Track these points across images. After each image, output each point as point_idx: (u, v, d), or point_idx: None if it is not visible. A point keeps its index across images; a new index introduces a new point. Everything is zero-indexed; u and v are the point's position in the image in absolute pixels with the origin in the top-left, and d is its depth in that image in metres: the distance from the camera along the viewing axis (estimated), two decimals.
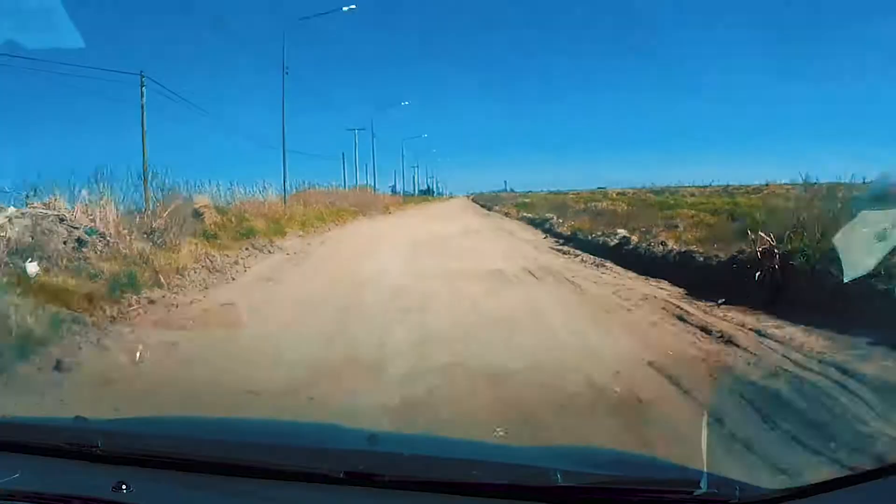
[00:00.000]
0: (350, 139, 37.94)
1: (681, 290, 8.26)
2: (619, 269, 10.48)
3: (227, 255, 11.11)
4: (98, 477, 1.52)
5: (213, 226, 13.47)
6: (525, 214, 28.37)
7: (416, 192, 64.59)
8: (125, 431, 1.85)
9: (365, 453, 1.60)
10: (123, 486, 1.43)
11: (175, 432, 1.85)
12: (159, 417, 2.34)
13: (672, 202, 25.23)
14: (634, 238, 12.86)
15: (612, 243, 13.23)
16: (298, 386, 4.39)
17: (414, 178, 62.94)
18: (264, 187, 19.30)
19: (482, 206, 49.94)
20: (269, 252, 13.02)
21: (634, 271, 9.96)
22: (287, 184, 22.22)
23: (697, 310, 6.98)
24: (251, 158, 50.93)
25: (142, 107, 15.40)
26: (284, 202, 19.91)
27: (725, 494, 1.38)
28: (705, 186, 37.58)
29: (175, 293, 8.32)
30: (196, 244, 10.53)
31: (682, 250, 10.22)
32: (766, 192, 32.54)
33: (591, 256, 12.06)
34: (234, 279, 9.79)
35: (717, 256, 9.28)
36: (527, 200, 41.38)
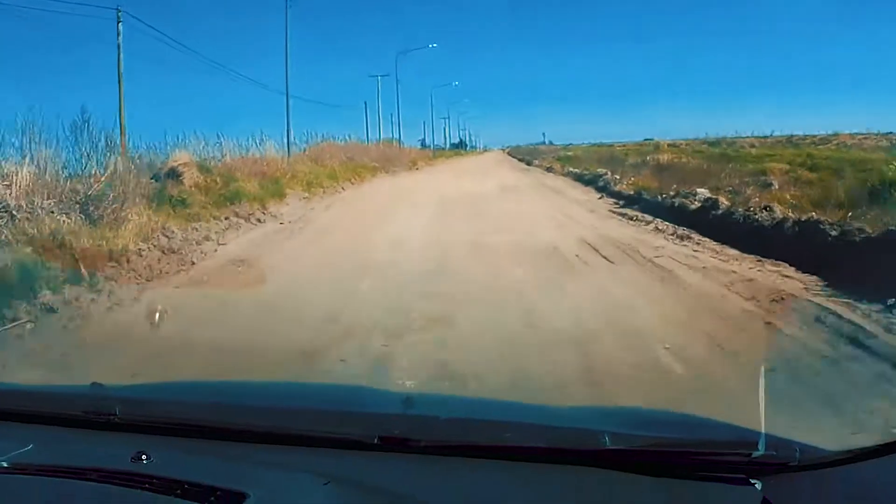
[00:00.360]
0: (373, 88, 34.94)
1: (819, 280, 5.64)
2: (712, 243, 7.74)
3: (197, 229, 8.52)
4: (116, 447, 1.43)
5: (193, 188, 10.89)
6: (571, 169, 25.34)
7: (448, 145, 61.13)
8: (144, 398, 1.75)
9: (399, 417, 1.50)
10: (143, 457, 1.33)
11: (196, 398, 1.73)
12: (179, 383, 2.20)
13: (735, 154, 22.74)
14: (723, 200, 9.94)
15: (693, 207, 10.37)
16: None
17: (445, 130, 59.42)
18: (262, 140, 16.43)
19: (520, 160, 46.82)
20: (258, 222, 10.42)
21: (736, 248, 7.29)
22: (295, 137, 19.71)
23: (869, 321, 4.44)
24: (256, 111, 46.83)
25: (118, 47, 12.77)
26: (288, 157, 17.16)
27: (785, 456, 1.27)
28: (765, 137, 35.77)
29: (97, 292, 5.72)
30: (150, 215, 7.91)
31: (801, 218, 7.47)
32: (835, 142, 31.63)
33: (668, 224, 9.29)
34: (193, 263, 7.20)
35: (860, 230, 6.52)
36: (569, 154, 38.14)
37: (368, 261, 6.84)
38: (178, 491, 1.24)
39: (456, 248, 7.37)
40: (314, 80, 53.30)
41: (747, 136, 36.22)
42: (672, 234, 8.64)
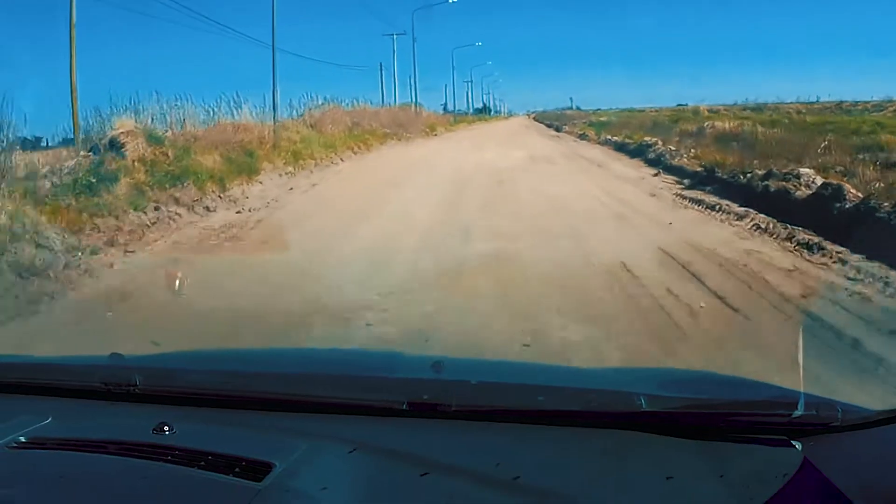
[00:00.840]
0: (390, 49, 31.84)
1: None
2: (878, 266, 4.75)
3: (91, 230, 5.77)
4: (137, 418, 1.38)
5: (136, 163, 8.29)
6: (609, 137, 22.29)
7: (471, 110, 57.88)
8: (166, 368, 1.69)
9: (428, 381, 1.46)
10: (166, 428, 1.29)
11: (219, 366, 1.70)
12: (200, 352, 2.25)
13: (787, 121, 20.31)
14: (849, 188, 7.05)
15: (800, 194, 7.48)
16: None
17: (467, 94, 56.14)
18: (237, 101, 13.06)
19: (547, 125, 43.79)
20: (206, 210, 7.70)
21: None
22: (293, 100, 16.79)
23: None
24: (252, 74, 39.79)
25: None
26: (274, 123, 14.28)
27: (826, 417, 1.23)
28: (811, 103, 33.40)
29: None
30: (17, 209, 5.21)
31: None
32: (891, 108, 29.23)
33: (771, 221, 6.61)
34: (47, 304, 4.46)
35: None
36: (602, 119, 34.93)
37: (333, 296, 4.07)
38: (202, 462, 1.21)
39: (462, 280, 4.53)
40: (328, 41, 49.89)
41: (791, 102, 34.20)
42: (790, 241, 5.76)
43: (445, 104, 47.15)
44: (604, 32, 59.23)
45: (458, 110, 54.02)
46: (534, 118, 65.39)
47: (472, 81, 56.83)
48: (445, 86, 46.70)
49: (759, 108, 31.78)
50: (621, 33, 58.94)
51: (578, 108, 54.06)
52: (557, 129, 36.50)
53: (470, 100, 57.59)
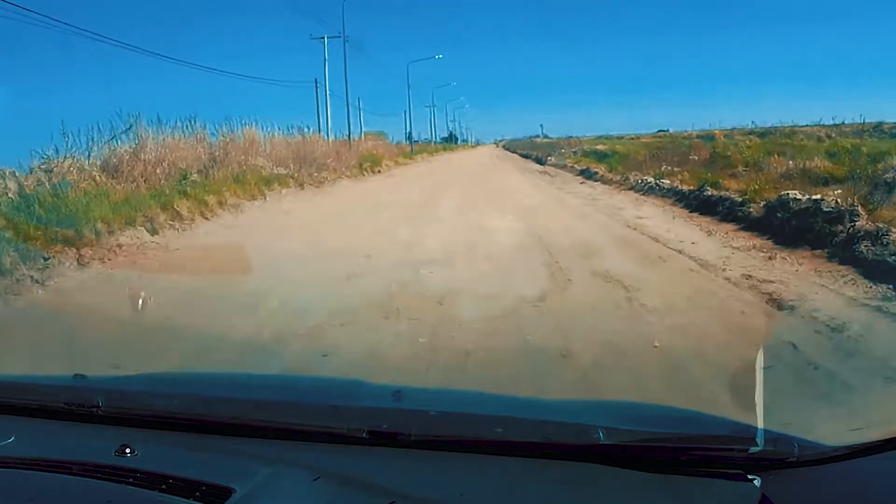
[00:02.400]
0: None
1: None
2: None
3: None
4: (99, 439, 1.38)
5: None
6: (647, 179, 13.84)
7: (436, 138, 50.53)
8: (129, 390, 1.66)
9: (389, 410, 1.46)
10: (127, 450, 1.29)
11: (183, 390, 1.66)
12: (165, 374, 2.17)
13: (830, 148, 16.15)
14: None
15: None
16: None
17: (430, 120, 48.96)
18: None
19: (523, 156, 35.44)
20: None
21: None
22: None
23: None
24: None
25: None
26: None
27: (784, 452, 1.24)
28: (834, 126, 30.49)
29: None
30: None
31: None
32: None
33: None
34: None
35: None
36: (599, 147, 26.66)
37: None
38: (163, 486, 1.18)
39: None
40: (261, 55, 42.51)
41: (805, 126, 31.48)
42: None
43: (409, 132, 40.05)
44: (574, 59, 57.33)
45: (423, 139, 46.66)
46: (503, 146, 59.60)
47: (434, 106, 49.13)
48: (405, 111, 38.40)
49: (764, 133, 29.79)
50: (593, 60, 56.78)
51: (546, 136, 51.91)
52: (539, 161, 28.08)
53: (433, 126, 49.80)
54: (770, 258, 6.71)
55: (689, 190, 11.47)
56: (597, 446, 1.23)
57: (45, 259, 6.54)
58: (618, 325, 4.50)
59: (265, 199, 11.97)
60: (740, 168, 13.25)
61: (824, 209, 7.50)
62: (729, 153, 16.15)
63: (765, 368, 2.28)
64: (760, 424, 1.31)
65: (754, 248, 7.28)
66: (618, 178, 15.99)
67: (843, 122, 31.21)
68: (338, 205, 12.67)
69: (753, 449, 1.20)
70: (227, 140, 14.79)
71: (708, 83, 54.14)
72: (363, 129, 30.78)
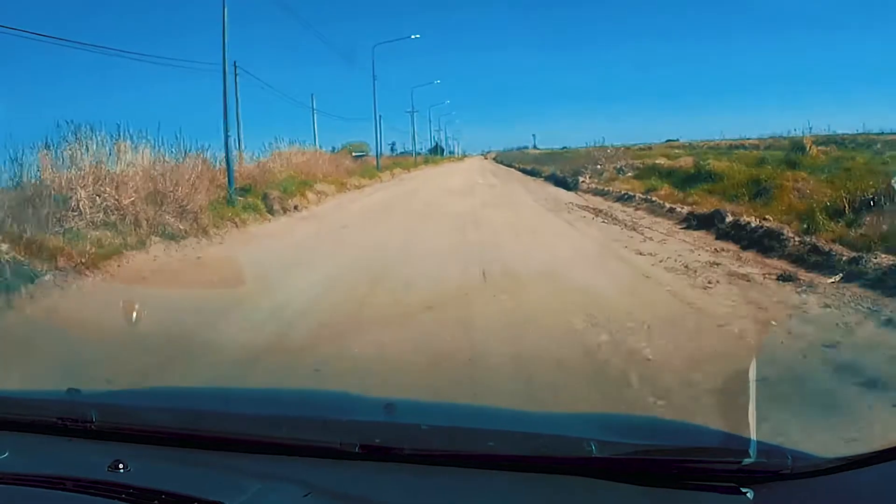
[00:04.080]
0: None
1: None
2: None
3: None
4: (92, 455, 1.43)
5: None
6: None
7: (416, 149, 43.21)
8: (121, 405, 1.70)
9: (381, 424, 1.49)
10: (120, 465, 1.32)
11: (175, 405, 1.70)
12: (158, 389, 2.27)
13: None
14: None
15: None
16: None
17: (412, 129, 41.80)
18: None
19: (527, 172, 26.41)
20: None
21: None
22: None
23: None
24: None
25: None
26: None
27: (776, 464, 1.26)
28: (858, 134, 24.57)
29: None
30: None
31: None
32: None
33: None
34: None
35: None
36: (661, 162, 17.46)
37: None
38: (156, 501, 1.22)
39: None
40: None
41: (821, 132, 24.10)
42: None
43: (393, 144, 36.24)
44: (567, 69, 54.06)
45: (417, 151, 40.95)
46: (492, 159, 53.59)
47: (415, 111, 41.00)
48: (379, 115, 29.48)
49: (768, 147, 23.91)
50: (588, 67, 52.96)
51: (535, 148, 47.28)
52: (565, 185, 18.60)
53: (413, 135, 42.80)
54: None
55: None
56: (589, 459, 1.27)
57: None
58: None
59: None
60: None
61: None
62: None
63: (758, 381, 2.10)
64: (753, 436, 1.36)
65: None
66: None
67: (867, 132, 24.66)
68: None
69: (746, 461, 1.23)
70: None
71: (714, 92, 51.21)
72: (317, 140, 22.19)
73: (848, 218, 7.98)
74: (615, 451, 1.28)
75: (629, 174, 17.02)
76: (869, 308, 5.07)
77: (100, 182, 9.58)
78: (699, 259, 7.34)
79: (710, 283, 6.13)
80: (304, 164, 18.11)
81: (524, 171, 27.65)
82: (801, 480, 1.23)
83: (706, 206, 10.54)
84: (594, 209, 12.84)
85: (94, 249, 7.75)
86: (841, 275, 6.07)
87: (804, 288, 5.78)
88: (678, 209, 11.10)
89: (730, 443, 1.33)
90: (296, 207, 13.56)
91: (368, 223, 11.90)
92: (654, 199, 12.54)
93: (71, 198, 9.02)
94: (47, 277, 6.64)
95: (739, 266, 6.92)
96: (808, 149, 16.70)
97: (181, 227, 9.77)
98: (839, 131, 25.27)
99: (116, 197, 9.42)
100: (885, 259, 6.06)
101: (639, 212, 11.98)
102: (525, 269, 6.91)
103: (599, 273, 6.72)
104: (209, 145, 13.25)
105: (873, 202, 8.16)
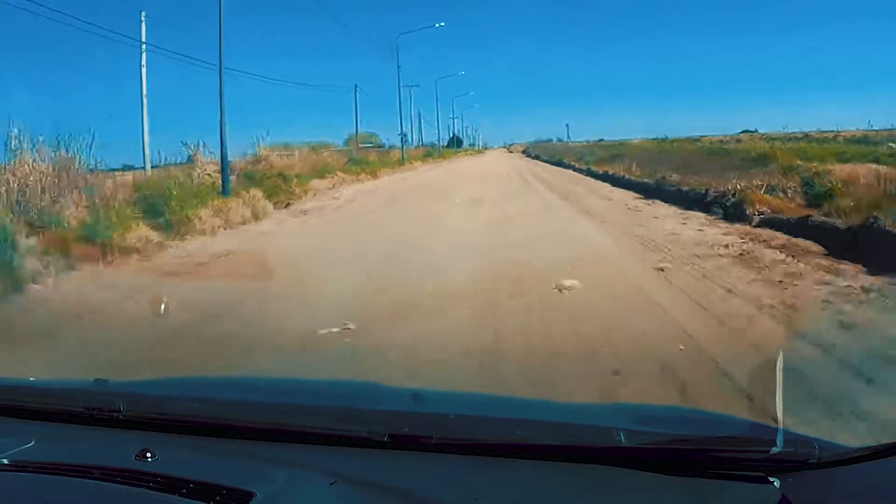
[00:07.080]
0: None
1: None
2: None
3: None
4: (120, 444, 1.42)
5: None
6: None
7: (438, 142, 41.08)
8: (149, 394, 1.71)
9: (409, 414, 1.50)
10: (147, 454, 1.32)
11: (201, 394, 1.69)
12: (185, 379, 2.28)
13: None
14: None
15: None
16: None
17: (415, 118, 38.24)
18: None
19: (588, 172, 20.47)
20: None
21: None
22: None
23: None
24: None
25: None
26: None
27: (804, 454, 1.24)
28: None
29: None
30: None
31: None
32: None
33: None
34: None
35: None
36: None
37: None
38: (184, 490, 1.21)
39: None
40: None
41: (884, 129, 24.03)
42: None
43: (403, 135, 31.86)
44: (600, 55, 49.00)
45: (428, 142, 39.13)
46: (520, 152, 48.49)
47: (438, 99, 37.78)
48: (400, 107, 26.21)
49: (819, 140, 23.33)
50: (620, 58, 48.28)
51: (568, 140, 42.80)
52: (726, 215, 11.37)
53: (438, 127, 40.44)
54: None
55: None
56: (617, 448, 1.27)
57: None
58: None
59: None
60: None
61: None
62: None
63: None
64: (780, 425, 1.36)
65: None
66: None
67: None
68: None
69: (773, 450, 1.22)
70: None
71: (736, 85, 49.70)
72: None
73: None
74: (643, 440, 1.28)
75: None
76: None
77: None
78: None
79: None
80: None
81: (591, 174, 20.61)
82: (828, 470, 1.22)
83: None
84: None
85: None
86: None
87: None
88: None
89: (756, 432, 1.33)
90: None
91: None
92: None
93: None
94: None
95: None
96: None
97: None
98: None
99: None
100: None
101: None
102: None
103: None
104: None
105: None
